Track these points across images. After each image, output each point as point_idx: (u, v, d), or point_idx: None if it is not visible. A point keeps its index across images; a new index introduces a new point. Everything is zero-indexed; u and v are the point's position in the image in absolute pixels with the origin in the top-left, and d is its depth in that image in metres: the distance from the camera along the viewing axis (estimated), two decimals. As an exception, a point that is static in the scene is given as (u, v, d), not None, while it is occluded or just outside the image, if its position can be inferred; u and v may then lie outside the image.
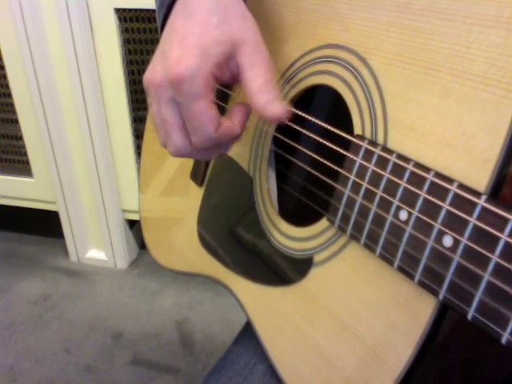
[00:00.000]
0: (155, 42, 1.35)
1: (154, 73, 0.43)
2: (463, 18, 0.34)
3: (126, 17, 1.33)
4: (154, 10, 1.35)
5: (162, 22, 0.48)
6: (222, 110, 0.60)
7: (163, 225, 0.75)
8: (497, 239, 0.29)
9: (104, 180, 1.54)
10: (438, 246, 0.33)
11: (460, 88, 0.34)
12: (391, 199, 0.36)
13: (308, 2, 0.49)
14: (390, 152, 0.37)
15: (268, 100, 0.43)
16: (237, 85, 0.58)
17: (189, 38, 0.42)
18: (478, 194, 0.31)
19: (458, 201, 0.32)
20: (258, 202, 0.55)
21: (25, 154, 1.61)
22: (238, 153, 0.59)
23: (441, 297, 0.33)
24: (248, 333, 0.58)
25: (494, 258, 0.29)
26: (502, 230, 0.29)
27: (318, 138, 0.46)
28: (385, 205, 0.37)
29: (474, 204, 0.31)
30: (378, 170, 0.38)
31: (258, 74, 0.44)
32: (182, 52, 0.42)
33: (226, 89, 0.60)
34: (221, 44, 0.42)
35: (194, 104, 0.42)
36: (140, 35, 1.36)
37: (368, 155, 0.39)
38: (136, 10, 1.32)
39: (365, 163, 0.39)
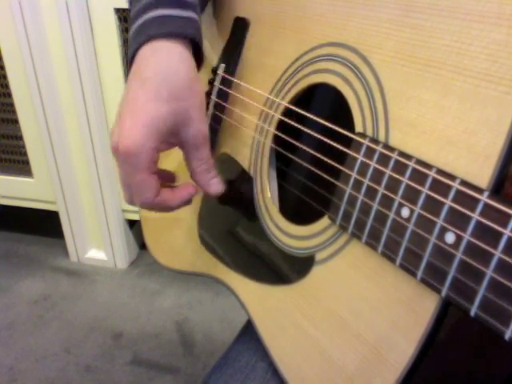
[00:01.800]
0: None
1: (113, 137, 0.47)
2: (464, 15, 0.34)
3: (126, 17, 1.33)
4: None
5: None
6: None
7: (163, 224, 0.74)
8: (499, 235, 0.29)
9: (104, 180, 1.53)
10: (440, 243, 0.33)
11: (461, 85, 0.34)
12: (393, 196, 0.36)
13: (309, 1, 0.49)
14: (392, 149, 0.37)
15: (208, 179, 0.52)
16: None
17: (139, 111, 0.46)
18: (480, 191, 0.31)
19: (460, 197, 0.32)
20: (258, 200, 0.55)
21: (25, 153, 1.61)
22: (238, 152, 0.59)
23: (443, 294, 0.33)
24: (249, 331, 0.57)
25: (497, 254, 0.29)
26: (504, 226, 0.29)
27: (319, 136, 0.46)
28: (386, 202, 0.37)
29: (477, 200, 0.31)
30: (380, 168, 0.38)
31: (200, 156, 0.50)
32: (131, 125, 0.46)
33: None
34: (168, 122, 0.47)
35: (136, 174, 0.47)
36: (140, 35, 1.35)
37: (369, 153, 0.39)
38: (136, 10, 1.32)
39: (366, 161, 0.39)
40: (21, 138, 1.59)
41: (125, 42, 1.37)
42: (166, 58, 0.47)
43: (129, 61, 0.51)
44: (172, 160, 0.72)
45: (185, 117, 0.47)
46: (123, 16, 1.33)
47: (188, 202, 0.53)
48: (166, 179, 0.56)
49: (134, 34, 0.50)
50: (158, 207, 0.51)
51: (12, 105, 1.53)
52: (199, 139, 0.49)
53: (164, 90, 0.46)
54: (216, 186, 0.53)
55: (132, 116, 0.46)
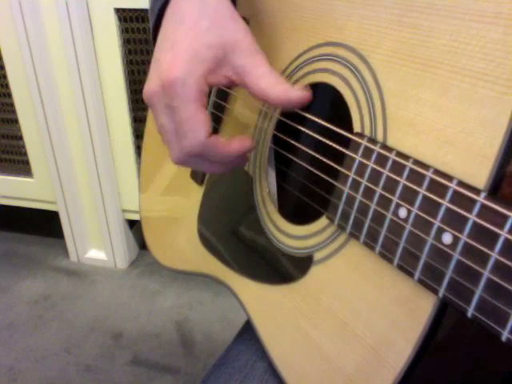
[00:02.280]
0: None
1: (150, 82, 0.44)
2: (462, 14, 0.34)
3: (125, 17, 1.33)
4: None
5: (153, 29, 0.48)
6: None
7: (164, 224, 0.75)
8: (496, 236, 0.29)
9: (104, 180, 1.54)
10: (437, 244, 0.33)
11: (459, 85, 0.34)
12: (391, 197, 0.36)
13: (307, 0, 0.49)
14: (390, 149, 0.37)
15: (286, 89, 0.44)
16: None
17: (179, 44, 0.42)
18: (477, 191, 0.31)
19: (458, 198, 0.32)
20: (257, 200, 0.55)
21: (25, 153, 1.61)
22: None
23: (440, 295, 0.33)
24: (248, 330, 0.58)
25: (494, 255, 0.29)
26: (501, 227, 0.29)
27: (317, 136, 0.46)
28: (384, 202, 0.37)
29: (474, 201, 0.31)
30: (378, 168, 0.38)
31: (265, 71, 0.44)
32: (173, 57, 0.42)
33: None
34: (212, 48, 0.43)
35: (185, 108, 0.42)
36: (140, 35, 1.36)
37: (367, 153, 0.39)
38: (136, 10, 1.32)
39: (364, 161, 0.39)
40: (21, 138, 1.59)
41: (125, 42, 1.37)
42: None
43: (155, 19, 0.48)
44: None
45: (232, 43, 0.44)
46: (123, 16, 1.33)
47: (244, 158, 0.48)
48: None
49: None
50: (211, 152, 0.45)
51: (12, 105, 1.53)
52: (255, 56, 0.44)
53: (205, 22, 0.43)
54: (298, 91, 0.44)
55: (172, 50, 0.43)
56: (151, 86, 0.43)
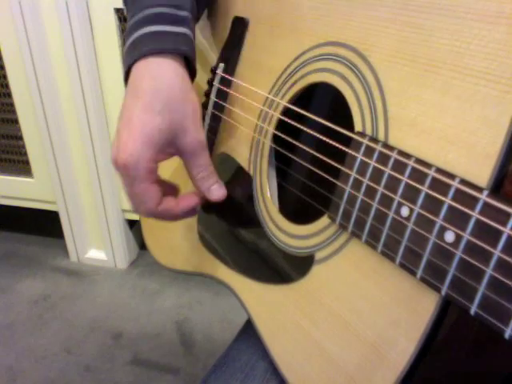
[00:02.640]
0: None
1: (113, 151, 0.48)
2: (464, 14, 0.34)
3: (125, 17, 1.33)
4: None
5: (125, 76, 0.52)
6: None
7: (163, 224, 0.74)
8: (499, 234, 0.29)
9: (104, 180, 1.53)
10: (440, 242, 0.33)
11: (461, 84, 0.34)
12: (392, 195, 0.36)
13: (308, 0, 0.49)
14: (391, 148, 0.37)
15: (209, 186, 0.53)
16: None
17: (135, 123, 0.47)
18: (479, 189, 0.31)
19: (460, 196, 0.32)
20: (258, 200, 0.55)
21: (25, 153, 1.61)
22: (237, 151, 0.59)
23: (443, 293, 0.33)
24: (249, 330, 0.58)
25: (497, 252, 0.29)
26: (504, 225, 0.29)
27: (318, 136, 0.46)
28: (386, 201, 0.37)
29: (476, 199, 0.31)
30: (379, 167, 0.38)
31: (199, 163, 0.52)
32: (127, 136, 0.47)
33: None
34: (163, 132, 0.48)
35: (136, 185, 0.48)
36: (140, 35, 1.35)
37: (369, 152, 0.39)
38: (136, 10, 1.32)
39: (366, 160, 0.39)
40: (21, 138, 1.59)
41: (124, 43, 1.37)
42: (159, 74, 0.49)
43: (124, 74, 0.52)
44: (171, 161, 0.72)
45: (180, 127, 0.49)
46: (123, 16, 1.33)
47: (192, 211, 0.55)
48: (169, 190, 0.56)
49: (129, 49, 0.51)
50: (162, 216, 0.52)
51: (12, 105, 1.53)
52: (196, 147, 0.51)
53: (157, 103, 0.48)
54: (217, 191, 0.54)
55: (128, 129, 0.47)
56: (113, 157, 0.48)
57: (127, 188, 0.50)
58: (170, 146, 0.50)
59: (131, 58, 0.50)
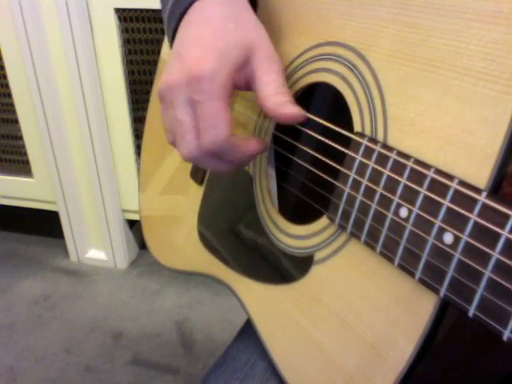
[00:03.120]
0: (155, 42, 1.35)
1: (171, 75, 0.43)
2: (462, 14, 0.34)
3: (125, 17, 1.33)
4: (154, 10, 1.35)
5: (173, 31, 0.48)
6: None
7: (163, 224, 0.74)
8: (497, 236, 0.29)
9: (104, 180, 1.54)
10: (438, 243, 0.33)
11: (460, 84, 0.34)
12: (391, 196, 0.36)
13: (307, 0, 0.49)
14: (390, 149, 0.37)
15: (282, 102, 0.44)
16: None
17: (206, 40, 0.42)
18: (478, 191, 0.31)
19: (459, 197, 0.32)
20: (258, 200, 0.55)
21: (25, 153, 1.61)
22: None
23: (441, 294, 0.33)
24: (249, 330, 0.58)
25: (495, 254, 0.29)
26: (502, 227, 0.29)
27: (317, 136, 0.46)
28: (385, 202, 0.37)
29: (475, 200, 0.31)
30: (378, 168, 0.38)
31: (273, 79, 0.44)
32: (201, 52, 0.42)
33: None
34: (239, 48, 0.43)
35: (210, 103, 0.42)
36: (140, 35, 1.36)
37: (368, 152, 0.39)
38: (136, 10, 1.32)
39: (365, 161, 0.39)
40: (21, 138, 1.59)
41: (125, 42, 1.37)
42: (225, 2, 0.45)
43: (170, 34, 0.48)
44: (172, 161, 0.72)
45: (254, 46, 0.44)
46: (123, 16, 1.33)
47: (252, 160, 0.49)
48: None
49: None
50: (228, 152, 0.45)
51: (12, 105, 1.53)
52: (269, 62, 0.44)
53: (230, 23, 0.43)
54: (293, 106, 0.44)
55: (199, 46, 0.42)
56: (173, 78, 0.42)
57: (189, 110, 0.43)
58: (246, 65, 0.44)
59: (186, 2, 0.46)
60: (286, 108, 0.43)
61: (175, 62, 0.43)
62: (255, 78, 0.45)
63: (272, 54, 0.45)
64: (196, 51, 0.42)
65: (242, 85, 0.46)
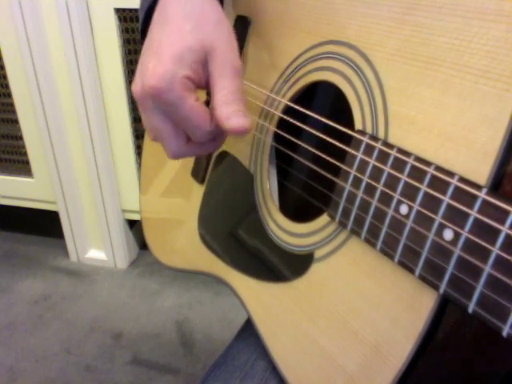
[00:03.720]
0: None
1: (136, 85, 0.44)
2: (464, 12, 0.34)
3: (125, 17, 1.33)
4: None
5: (142, 28, 0.49)
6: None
7: (164, 223, 0.75)
8: (497, 232, 0.29)
9: (104, 180, 1.54)
10: (438, 240, 0.33)
11: (461, 82, 0.34)
12: (392, 193, 0.36)
13: (309, -1, 0.49)
14: (391, 146, 0.37)
15: (229, 113, 0.43)
16: None
17: (163, 48, 0.43)
18: (478, 187, 0.31)
19: (459, 194, 0.32)
20: (258, 198, 0.55)
21: (25, 153, 1.61)
22: (238, 149, 0.59)
23: (441, 291, 0.33)
24: (249, 329, 0.58)
25: (495, 250, 0.29)
26: (502, 223, 0.29)
27: (319, 134, 0.46)
28: (385, 199, 0.37)
29: (475, 197, 0.31)
30: (379, 165, 0.38)
31: (225, 86, 0.44)
32: (156, 62, 0.42)
33: None
34: (194, 51, 0.43)
35: (179, 109, 0.42)
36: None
37: (369, 150, 0.39)
38: (136, 10, 1.32)
39: (366, 158, 0.39)
40: (21, 138, 1.59)
41: (125, 42, 1.37)
42: (188, 0, 0.45)
43: (142, 20, 0.48)
44: (173, 161, 0.72)
45: (211, 47, 0.44)
46: (123, 16, 1.33)
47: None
48: None
49: None
50: (216, 134, 0.45)
51: (12, 105, 1.53)
52: (225, 67, 0.44)
53: (187, 23, 0.43)
54: (237, 119, 0.43)
55: (155, 55, 0.43)
56: (137, 89, 0.43)
57: (162, 117, 0.43)
58: (203, 68, 0.44)
59: None
60: (232, 120, 0.43)
61: (138, 71, 0.44)
62: (211, 82, 0.45)
63: (229, 56, 0.45)
64: (153, 60, 0.43)
65: (202, 85, 0.46)
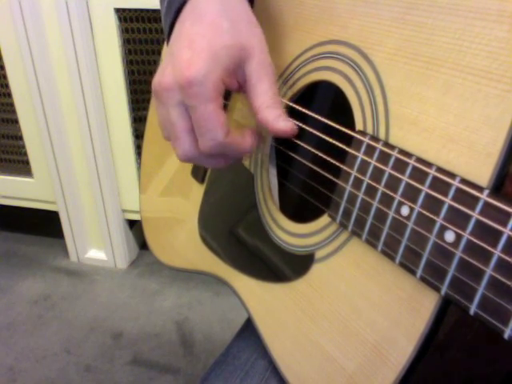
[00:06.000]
0: (155, 42, 1.35)
1: (163, 76, 0.43)
2: (466, 12, 0.34)
3: (126, 17, 1.33)
4: (154, 10, 1.35)
5: (169, 27, 0.48)
6: None
7: (164, 223, 0.74)
8: (499, 234, 0.29)
9: (104, 180, 1.53)
10: (440, 242, 0.33)
11: (462, 83, 0.34)
12: (393, 194, 0.36)
13: (310, -1, 0.49)
14: (392, 147, 0.37)
15: (275, 116, 0.44)
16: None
17: (198, 41, 0.42)
18: (480, 189, 0.31)
19: (460, 195, 0.32)
20: (259, 198, 0.55)
21: (25, 153, 1.61)
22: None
23: (443, 292, 0.33)
24: (249, 328, 0.57)
25: (497, 252, 0.29)
26: (504, 225, 0.29)
27: (319, 134, 0.46)
28: (386, 200, 0.37)
29: (477, 199, 0.30)
30: (380, 166, 0.38)
31: (266, 89, 0.44)
32: (191, 54, 0.41)
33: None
34: (231, 50, 0.42)
35: (203, 107, 0.41)
36: (140, 35, 1.36)
37: (370, 151, 0.39)
38: (136, 10, 1.32)
39: (366, 159, 0.39)
40: (21, 138, 1.59)
41: (125, 42, 1.37)
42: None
43: (167, 29, 0.47)
44: (172, 160, 0.72)
45: (248, 48, 0.43)
46: (123, 16, 1.33)
47: (252, 150, 0.48)
48: None
49: None
50: (229, 150, 0.45)
51: (12, 105, 1.53)
52: (264, 70, 0.44)
53: (225, 22, 0.42)
54: (285, 122, 0.44)
55: (190, 47, 0.42)
56: (165, 80, 0.42)
57: (182, 112, 0.43)
58: (237, 69, 0.44)
59: None
60: (279, 123, 0.44)
61: (168, 63, 0.43)
62: (249, 85, 0.44)
63: (266, 58, 0.45)
64: (187, 53, 0.42)
65: (234, 87, 0.46)
